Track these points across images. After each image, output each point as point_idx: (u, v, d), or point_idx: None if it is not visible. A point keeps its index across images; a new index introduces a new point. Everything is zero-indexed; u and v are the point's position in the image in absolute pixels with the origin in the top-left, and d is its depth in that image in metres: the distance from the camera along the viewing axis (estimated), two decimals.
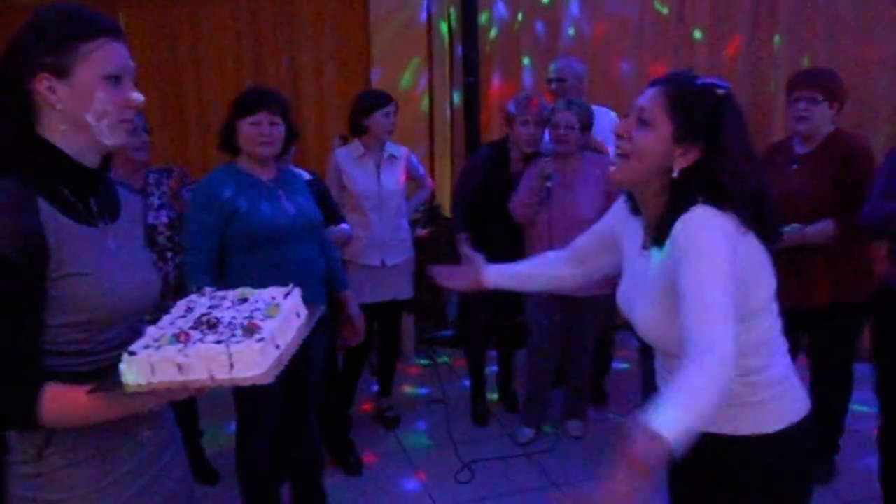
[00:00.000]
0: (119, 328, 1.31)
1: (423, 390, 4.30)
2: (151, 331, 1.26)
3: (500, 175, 3.55)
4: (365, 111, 3.47)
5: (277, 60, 5.04)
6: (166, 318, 1.32)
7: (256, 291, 1.43)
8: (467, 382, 4.00)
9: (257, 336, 1.20)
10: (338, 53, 5.05)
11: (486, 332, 3.89)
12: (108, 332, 1.29)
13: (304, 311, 1.44)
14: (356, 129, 3.52)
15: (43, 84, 1.24)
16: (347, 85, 4.97)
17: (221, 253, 2.48)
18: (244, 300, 1.39)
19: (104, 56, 1.26)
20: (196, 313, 1.33)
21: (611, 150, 3.69)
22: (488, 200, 3.54)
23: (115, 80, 1.27)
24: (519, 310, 3.66)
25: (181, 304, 1.39)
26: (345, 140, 4.28)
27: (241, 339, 1.19)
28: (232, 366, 1.16)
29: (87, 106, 1.26)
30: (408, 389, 4.30)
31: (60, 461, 1.28)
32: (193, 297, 1.43)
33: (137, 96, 1.30)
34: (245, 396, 2.59)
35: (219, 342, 1.19)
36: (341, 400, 3.54)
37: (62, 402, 1.20)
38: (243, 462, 2.66)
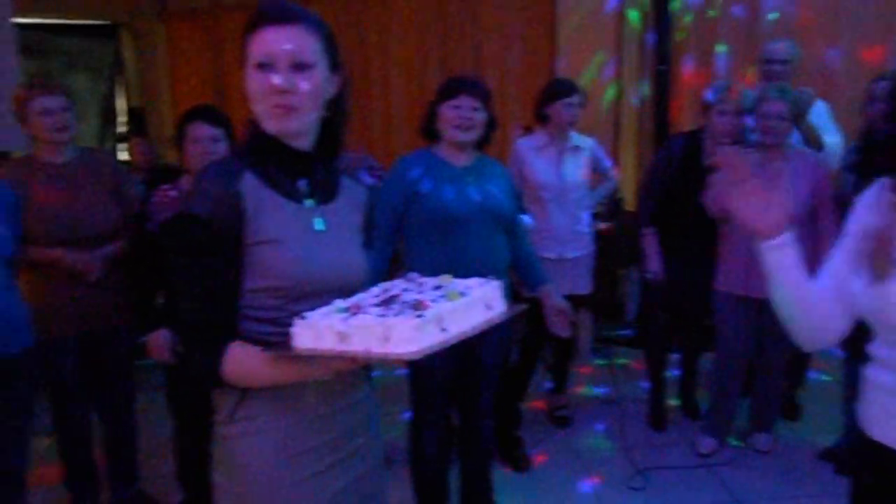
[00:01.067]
0: (316, 302, 1.31)
1: (598, 390, 4.17)
2: (337, 302, 1.27)
3: (694, 167, 3.34)
4: (548, 99, 3.41)
5: (463, 51, 5.09)
6: (358, 295, 1.33)
7: (455, 280, 1.40)
8: (645, 385, 3.82)
9: (418, 313, 1.17)
10: (522, 43, 5.02)
11: (670, 333, 3.69)
12: (302, 304, 1.31)
13: (499, 305, 1.37)
14: (539, 117, 3.46)
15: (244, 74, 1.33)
16: (530, 75, 4.92)
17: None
18: (439, 287, 1.37)
19: (256, 44, 1.30)
20: (387, 294, 1.33)
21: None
22: (682, 194, 3.35)
23: (263, 66, 1.29)
24: (706, 310, 3.43)
25: (381, 285, 1.40)
26: (526, 130, 4.23)
27: (403, 314, 1.17)
28: (387, 340, 1.14)
29: (249, 94, 1.32)
30: (581, 389, 4.19)
31: (249, 427, 1.34)
32: (397, 280, 1.43)
33: (276, 79, 1.29)
34: (418, 382, 2.62)
35: (381, 316, 1.18)
36: (512, 394, 3.50)
37: (241, 360, 1.26)
38: (413, 447, 2.69)
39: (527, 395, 3.65)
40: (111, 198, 2.75)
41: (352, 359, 1.17)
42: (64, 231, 2.63)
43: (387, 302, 1.26)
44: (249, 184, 1.30)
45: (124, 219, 2.76)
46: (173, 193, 2.57)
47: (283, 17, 1.29)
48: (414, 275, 1.44)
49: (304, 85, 1.30)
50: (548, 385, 3.91)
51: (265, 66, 1.29)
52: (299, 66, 1.29)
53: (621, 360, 4.55)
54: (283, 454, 1.34)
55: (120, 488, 3.03)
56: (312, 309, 1.27)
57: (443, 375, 2.56)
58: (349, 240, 1.46)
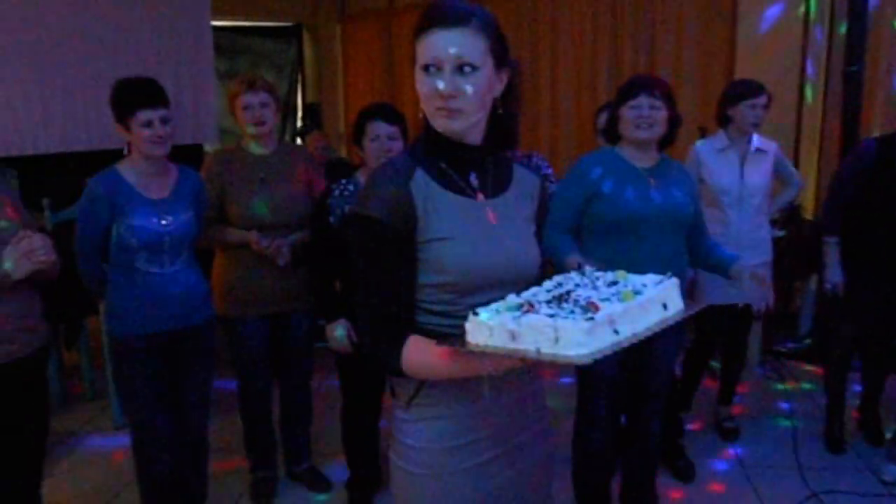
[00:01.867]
0: (488, 294, 1.34)
1: (767, 404, 3.98)
2: (510, 297, 1.27)
3: (889, 175, 3.12)
4: (731, 100, 3.30)
5: (635, 51, 5.01)
6: (532, 290, 1.32)
7: (632, 276, 1.37)
8: (821, 401, 3.61)
9: (588, 315, 1.14)
10: (698, 43, 4.87)
11: (852, 349, 3.47)
12: (475, 297, 1.33)
13: (677, 304, 1.33)
14: (721, 119, 3.35)
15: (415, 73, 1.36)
16: (706, 75, 4.76)
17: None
18: (615, 283, 1.34)
19: (423, 47, 1.31)
20: (561, 289, 1.32)
21: None
22: (874, 203, 3.14)
23: (429, 69, 1.30)
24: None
25: (556, 279, 1.38)
26: (703, 132, 4.11)
27: (573, 316, 1.15)
28: (557, 342, 1.12)
29: (419, 95, 1.34)
30: (749, 402, 4.01)
31: (425, 413, 1.39)
32: (572, 273, 1.41)
33: (440, 84, 1.29)
34: (587, 379, 2.62)
35: (552, 316, 1.15)
36: (677, 403, 3.42)
37: (419, 352, 1.30)
38: (578, 446, 2.69)
39: (691, 404, 3.55)
40: (304, 189, 2.93)
41: (521, 358, 1.16)
42: (259, 217, 2.83)
43: (559, 299, 1.24)
44: (420, 182, 1.34)
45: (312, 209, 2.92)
46: (351, 188, 2.70)
47: (449, 19, 1.29)
48: (589, 268, 1.42)
49: (468, 88, 1.30)
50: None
51: (431, 70, 1.30)
52: (464, 69, 1.29)
53: (793, 375, 4.32)
54: (454, 442, 1.38)
55: (294, 463, 3.23)
56: (486, 302, 1.27)
57: (613, 374, 2.55)
58: (521, 231, 1.46)
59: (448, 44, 1.29)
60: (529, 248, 1.46)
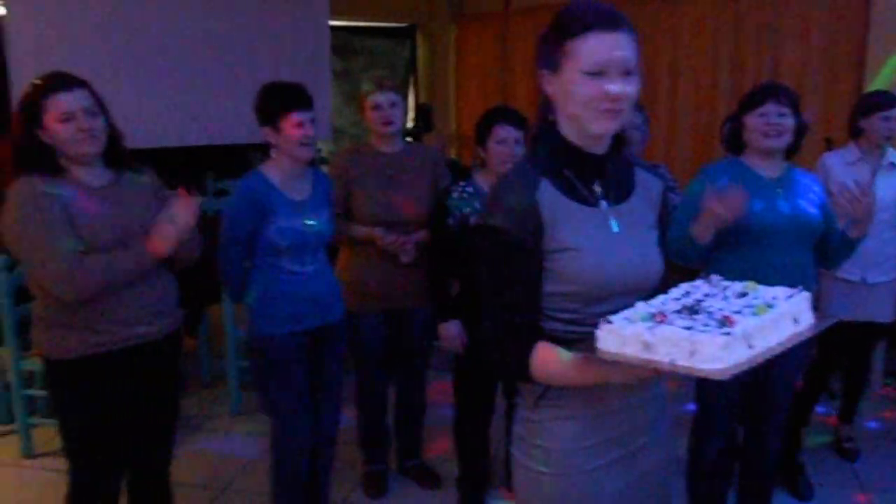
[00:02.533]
0: (614, 303, 1.35)
1: (889, 426, 3.82)
2: (640, 305, 1.28)
3: None
4: (864, 112, 3.18)
5: (758, 61, 4.89)
6: (660, 298, 1.33)
7: (761, 287, 1.37)
8: None
9: (725, 330, 1.14)
10: (825, 55, 4.70)
11: None
12: (600, 306, 1.34)
13: (808, 319, 1.32)
14: (852, 130, 3.24)
15: (543, 78, 1.37)
16: (833, 87, 4.60)
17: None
18: (744, 294, 1.34)
19: (585, 52, 1.29)
20: (690, 298, 1.32)
21: None
22: None
23: (594, 73, 1.30)
24: None
25: (682, 287, 1.39)
26: (829, 143, 3.98)
27: (709, 329, 1.15)
28: (692, 355, 1.13)
29: (571, 98, 1.33)
30: (870, 422, 3.85)
31: (550, 413, 1.41)
32: (698, 282, 1.42)
33: (612, 88, 1.29)
34: (704, 394, 2.60)
35: (687, 328, 1.16)
36: (796, 419, 3.32)
37: (548, 359, 1.31)
38: (694, 456, 2.67)
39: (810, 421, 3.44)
40: (428, 189, 2.99)
41: (654, 368, 1.16)
42: (385, 214, 2.92)
43: (690, 310, 1.25)
44: (546, 193, 1.34)
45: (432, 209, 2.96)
46: (470, 189, 2.74)
47: (611, 22, 1.30)
48: (716, 277, 1.42)
49: (630, 90, 1.31)
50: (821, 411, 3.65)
51: (598, 73, 1.29)
52: (627, 72, 1.31)
53: None
54: (582, 443, 1.40)
55: (406, 458, 3.29)
56: (611, 310, 1.28)
57: (733, 385, 2.52)
58: (645, 238, 1.45)
59: (614, 47, 1.30)
60: (654, 256, 1.46)
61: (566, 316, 1.37)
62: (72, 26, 4.86)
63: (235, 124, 5.42)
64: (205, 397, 4.14)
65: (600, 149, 1.40)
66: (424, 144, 3.50)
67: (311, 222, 2.52)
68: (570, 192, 1.37)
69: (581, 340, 1.29)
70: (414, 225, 2.94)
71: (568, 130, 1.39)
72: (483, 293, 1.39)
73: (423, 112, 6.74)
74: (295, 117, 2.45)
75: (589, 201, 1.39)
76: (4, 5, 4.70)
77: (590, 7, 1.32)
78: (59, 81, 2.08)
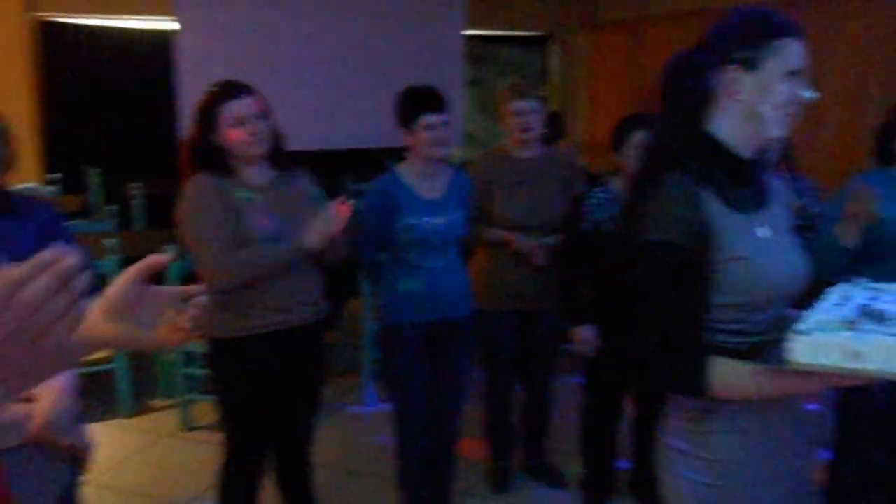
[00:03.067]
0: (772, 310, 1.37)
1: None
2: (814, 314, 1.26)
3: None
4: None
5: None
6: (823, 305, 1.31)
7: None
8: None
9: None
10: None
11: None
12: (762, 314, 1.36)
13: None
14: None
15: (729, 76, 1.36)
16: None
17: None
18: None
19: (790, 53, 1.35)
20: (854, 303, 1.31)
21: None
22: None
23: (795, 75, 1.35)
24: None
25: (836, 292, 1.37)
26: None
27: None
28: None
29: (767, 97, 1.35)
30: None
31: (719, 426, 1.39)
32: (846, 286, 1.40)
33: (807, 93, 1.35)
34: (848, 413, 2.53)
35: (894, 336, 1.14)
36: None
37: (728, 374, 1.29)
38: (830, 479, 2.60)
39: None
40: (562, 194, 3.05)
41: (856, 376, 1.15)
42: (520, 217, 3.01)
43: (872, 316, 1.23)
44: (708, 202, 1.34)
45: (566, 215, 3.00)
46: (606, 196, 2.77)
47: (801, 32, 1.37)
48: (861, 280, 1.40)
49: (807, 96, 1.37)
50: None
51: (796, 76, 1.36)
52: (806, 79, 1.37)
53: None
54: (752, 455, 1.39)
55: (531, 457, 3.36)
56: (767, 319, 1.30)
57: (882, 406, 2.44)
58: (794, 243, 1.46)
59: (805, 55, 1.36)
60: (803, 261, 1.46)
61: (732, 327, 1.37)
62: (233, 39, 5.28)
63: (374, 129, 5.68)
64: (341, 385, 4.34)
65: (750, 154, 1.41)
66: (559, 150, 3.56)
67: (437, 221, 2.63)
68: (727, 199, 1.37)
69: (753, 351, 1.31)
70: (548, 229, 3.01)
71: (729, 133, 1.39)
72: (650, 308, 1.36)
73: (554, 120, 6.77)
74: (427, 119, 2.56)
75: (742, 208, 1.39)
76: (177, 21, 5.17)
77: (779, 15, 1.38)
78: (233, 89, 2.30)
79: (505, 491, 3.25)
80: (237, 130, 2.26)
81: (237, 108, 2.26)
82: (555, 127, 6.75)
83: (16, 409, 1.38)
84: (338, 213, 2.28)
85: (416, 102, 2.61)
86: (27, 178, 5.37)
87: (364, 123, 5.85)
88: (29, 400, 1.45)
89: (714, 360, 1.30)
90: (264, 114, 2.32)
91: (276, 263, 2.28)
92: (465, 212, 2.75)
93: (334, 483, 3.29)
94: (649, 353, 1.37)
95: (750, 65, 1.35)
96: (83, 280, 0.66)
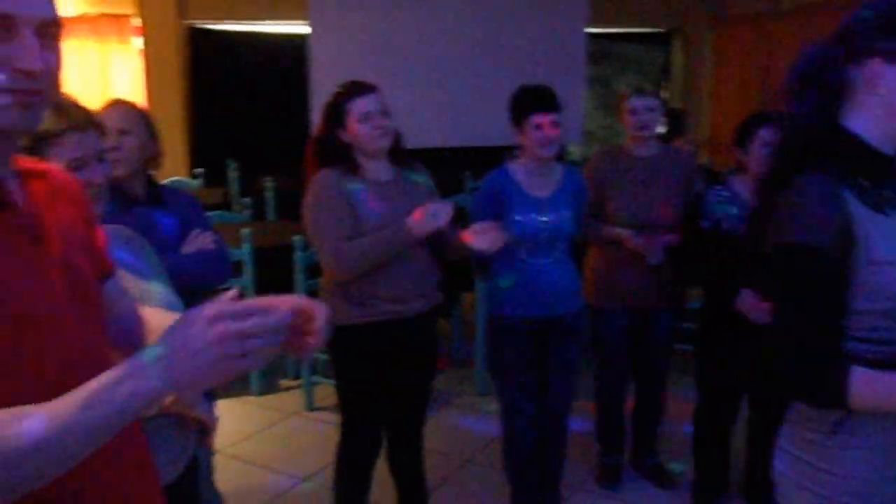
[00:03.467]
0: None
1: None
2: None
3: None
4: None
5: None
6: None
7: None
8: None
9: None
10: None
11: None
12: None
13: None
14: None
15: (870, 68, 1.29)
16: None
17: None
18: None
19: None
20: None
21: None
22: None
23: None
24: None
25: None
26: None
27: None
28: None
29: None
30: None
31: (850, 441, 1.32)
32: None
33: None
34: None
35: None
36: None
37: (873, 386, 1.21)
38: None
39: None
40: (680, 192, 3.02)
41: None
42: (637, 216, 3.00)
43: None
44: (848, 202, 1.27)
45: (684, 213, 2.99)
46: (727, 194, 2.74)
47: None
48: None
49: None
50: None
51: None
52: None
53: None
54: (885, 472, 1.32)
55: (640, 456, 3.35)
56: None
57: None
58: None
59: None
60: None
61: (873, 335, 1.30)
62: (361, 41, 5.53)
63: (495, 127, 5.77)
64: (454, 376, 4.46)
65: (891, 151, 1.34)
66: (678, 148, 3.52)
67: (546, 219, 2.67)
68: (868, 199, 1.30)
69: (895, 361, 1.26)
70: (664, 228, 2.99)
71: (868, 129, 1.33)
72: (787, 313, 1.30)
73: (674, 117, 6.64)
74: (537, 118, 2.61)
75: (885, 209, 1.31)
76: (309, 25, 5.47)
77: None
78: (359, 87, 2.44)
79: (614, 488, 3.26)
80: (363, 126, 2.39)
81: (363, 104, 2.40)
82: (675, 125, 6.62)
83: None
84: (443, 207, 2.37)
85: (527, 101, 2.66)
86: (175, 172, 5.85)
87: (486, 121, 5.94)
88: None
89: (854, 369, 1.22)
90: (387, 110, 2.44)
91: (387, 248, 2.37)
92: (575, 210, 2.78)
93: (445, 469, 3.40)
94: (784, 359, 1.30)
95: (894, 57, 1.27)
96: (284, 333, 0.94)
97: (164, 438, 1.59)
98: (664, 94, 7.13)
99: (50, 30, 0.95)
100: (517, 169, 2.74)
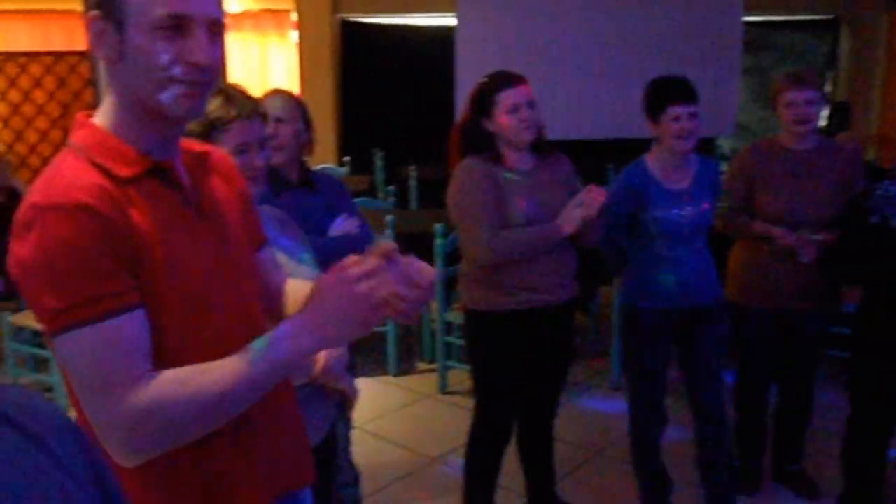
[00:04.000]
0: None
1: None
2: None
3: None
4: None
5: None
6: None
7: None
8: None
9: None
10: None
11: None
12: None
13: None
14: None
15: None
16: None
17: None
18: None
19: None
20: None
21: None
22: None
23: None
24: None
25: None
26: None
27: None
28: None
29: None
30: None
31: None
32: None
33: None
34: None
35: None
36: None
37: None
38: None
39: None
40: (838, 189, 2.86)
41: None
42: (788, 212, 2.85)
43: None
44: None
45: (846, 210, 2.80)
46: (894, 189, 2.55)
47: None
48: None
49: None
50: None
51: None
52: None
53: None
54: None
55: (782, 462, 3.21)
56: None
57: None
58: None
59: None
60: None
61: None
62: (508, 32, 5.57)
63: (640, 119, 5.66)
64: (589, 368, 4.45)
65: None
66: (840, 144, 3.30)
67: (685, 212, 2.62)
68: None
69: None
70: (816, 225, 2.84)
71: None
72: None
73: (839, 110, 6.24)
74: (674, 110, 2.55)
75: None
76: (456, 17, 5.57)
77: None
78: (507, 79, 2.48)
79: (752, 494, 3.14)
80: (510, 117, 2.43)
81: (512, 96, 2.43)
82: (840, 119, 6.23)
83: None
84: (592, 197, 2.38)
85: (665, 93, 2.61)
86: (324, 160, 6.14)
87: (632, 113, 5.82)
88: None
89: None
90: (533, 102, 2.47)
91: (535, 246, 2.43)
92: (713, 202, 2.72)
93: (575, 460, 3.41)
94: None
95: None
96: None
97: (309, 406, 1.70)
98: (828, 87, 6.70)
99: (217, 27, 1.08)
100: (654, 162, 2.70)
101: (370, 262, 1.02)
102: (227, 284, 1.16)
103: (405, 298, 1.02)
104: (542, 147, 2.56)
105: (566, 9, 5.85)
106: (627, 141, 5.86)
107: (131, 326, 1.02)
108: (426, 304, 1.12)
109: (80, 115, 1.15)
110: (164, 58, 1.03)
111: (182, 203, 1.13)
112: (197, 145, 1.25)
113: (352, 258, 1.04)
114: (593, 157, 5.66)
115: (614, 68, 5.97)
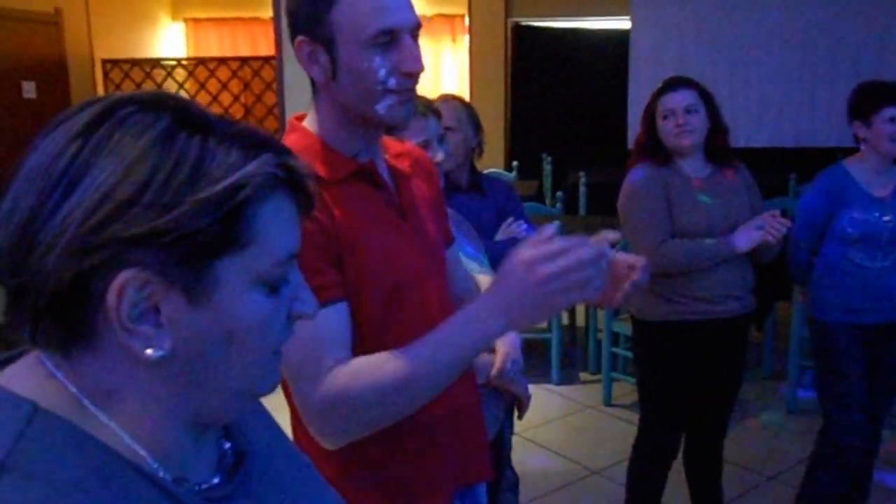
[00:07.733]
0: None
1: None
2: None
3: None
4: None
5: None
6: None
7: None
8: None
9: None
10: None
11: None
12: None
13: None
14: None
15: None
16: None
17: None
18: None
19: None
20: None
21: None
22: None
23: None
24: None
25: None
26: None
27: None
28: None
29: None
30: None
31: None
32: None
33: None
34: None
35: None
36: None
37: None
38: None
39: None
40: None
41: None
42: None
43: None
44: None
45: None
46: None
47: None
48: None
49: None
50: None
51: None
52: None
53: None
54: None
55: None
56: None
57: None
58: None
59: None
60: None
61: None
62: (684, 35, 5.38)
63: (825, 128, 5.29)
64: (763, 388, 4.22)
65: None
66: None
67: (888, 218, 2.48)
68: None
69: None
70: None
71: None
72: None
73: None
74: (889, 112, 2.43)
75: None
76: (630, 20, 5.45)
77: None
78: (669, 84, 2.46)
79: None
80: (664, 123, 2.41)
81: (668, 101, 2.41)
82: None
83: (484, 356, 1.70)
84: (774, 225, 2.29)
85: (879, 94, 2.49)
86: (493, 164, 6.22)
87: (817, 122, 5.47)
88: (492, 350, 1.76)
89: None
90: (697, 107, 2.40)
91: (705, 258, 2.36)
92: None
93: (745, 483, 3.23)
94: None
95: None
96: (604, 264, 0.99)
97: (483, 407, 1.75)
98: None
99: (417, 32, 1.13)
100: (855, 166, 2.58)
101: (559, 242, 0.99)
102: (426, 280, 1.22)
103: (593, 281, 0.97)
104: (718, 154, 2.47)
105: (747, 13, 5.54)
106: (809, 150, 5.49)
107: (333, 319, 1.08)
108: (627, 291, 1.11)
109: (291, 119, 1.24)
110: (381, 72, 1.09)
111: (384, 202, 1.19)
112: (397, 144, 1.32)
113: (537, 237, 1.02)
114: (775, 167, 5.35)
115: (799, 75, 5.59)
